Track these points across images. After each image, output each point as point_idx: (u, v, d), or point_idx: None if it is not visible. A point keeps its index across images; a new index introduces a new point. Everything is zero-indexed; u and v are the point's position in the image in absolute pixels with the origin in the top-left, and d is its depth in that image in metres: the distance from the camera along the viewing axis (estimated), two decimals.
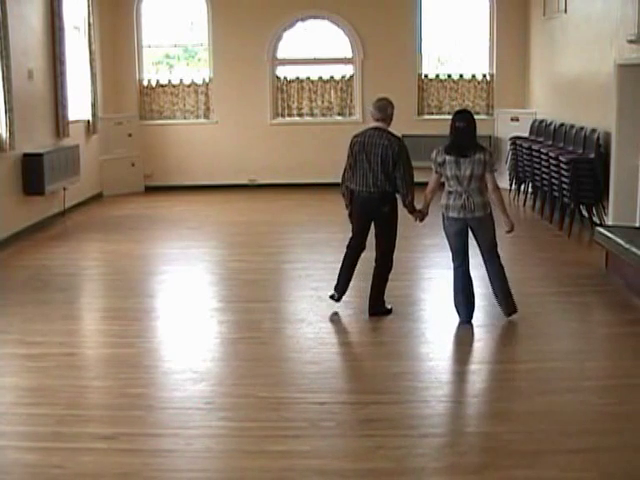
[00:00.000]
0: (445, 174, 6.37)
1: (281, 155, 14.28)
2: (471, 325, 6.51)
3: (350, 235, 6.95)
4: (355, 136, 6.75)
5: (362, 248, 6.90)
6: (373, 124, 6.69)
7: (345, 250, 6.97)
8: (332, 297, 6.98)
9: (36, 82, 10.83)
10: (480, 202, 6.34)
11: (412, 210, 6.67)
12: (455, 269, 6.57)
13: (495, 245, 6.53)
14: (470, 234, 6.54)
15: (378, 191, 6.58)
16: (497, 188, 6.41)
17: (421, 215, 6.69)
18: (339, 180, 6.93)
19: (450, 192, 6.39)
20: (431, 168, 6.55)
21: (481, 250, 6.55)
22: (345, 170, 6.79)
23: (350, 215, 6.91)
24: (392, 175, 6.53)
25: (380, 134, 6.58)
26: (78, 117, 12.39)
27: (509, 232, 6.61)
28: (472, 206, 6.31)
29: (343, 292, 6.97)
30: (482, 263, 6.61)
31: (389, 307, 6.87)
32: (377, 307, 6.81)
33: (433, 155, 6.43)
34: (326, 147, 14.04)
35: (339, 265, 6.92)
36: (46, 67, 11.20)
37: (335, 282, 6.98)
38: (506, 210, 6.55)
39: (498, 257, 6.54)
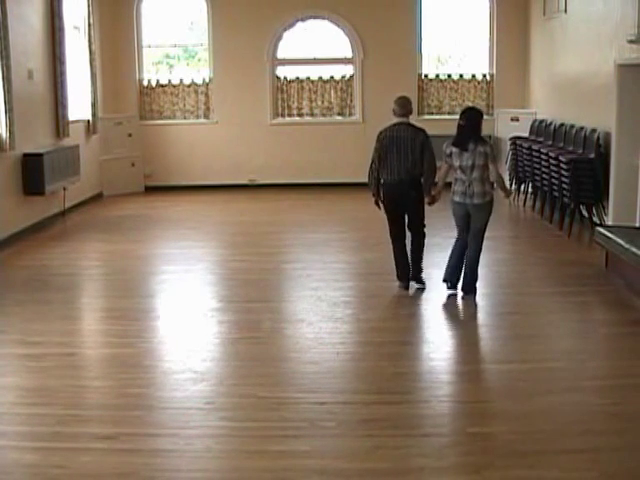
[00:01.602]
0: (453, 164, 7.13)
1: (281, 155, 14.27)
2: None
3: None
4: (382, 131, 7.43)
5: (405, 235, 7.49)
6: (396, 119, 7.38)
7: (392, 243, 7.51)
8: (403, 287, 7.48)
9: (36, 82, 10.83)
10: (480, 191, 7.01)
11: (429, 191, 7.33)
12: (456, 241, 7.33)
13: (481, 231, 7.16)
14: None
15: (408, 177, 7.30)
16: (499, 175, 7.21)
17: (433, 199, 7.35)
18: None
19: (457, 179, 7.15)
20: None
21: (468, 232, 7.19)
22: (373, 162, 7.44)
23: (377, 203, 7.50)
24: (420, 161, 7.26)
25: (406, 128, 7.35)
26: (78, 117, 12.40)
27: (507, 197, 7.83)
28: (472, 193, 7.02)
29: (408, 279, 7.50)
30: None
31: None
32: (419, 273, 7.47)
33: (444, 147, 7.20)
34: (326, 147, 14.05)
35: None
36: (46, 67, 11.20)
37: (396, 274, 7.51)
38: (505, 187, 7.44)
39: (481, 242, 7.19)
